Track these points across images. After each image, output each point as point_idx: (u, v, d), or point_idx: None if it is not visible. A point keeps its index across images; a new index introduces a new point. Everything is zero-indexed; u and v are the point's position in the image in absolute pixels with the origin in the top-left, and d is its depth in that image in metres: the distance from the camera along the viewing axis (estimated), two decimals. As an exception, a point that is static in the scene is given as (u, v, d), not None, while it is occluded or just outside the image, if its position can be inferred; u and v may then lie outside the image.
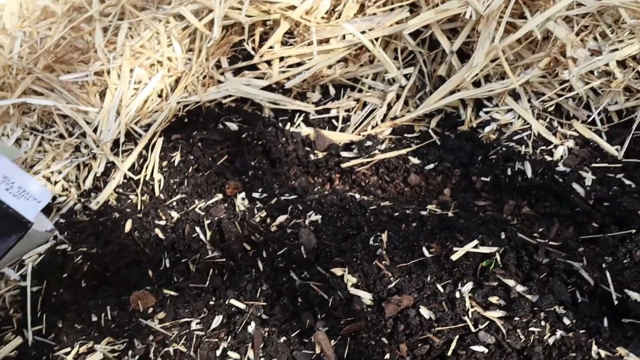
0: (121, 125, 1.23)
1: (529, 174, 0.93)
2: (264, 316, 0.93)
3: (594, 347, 0.75)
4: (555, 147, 0.95)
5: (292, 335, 0.89)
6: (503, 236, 0.88)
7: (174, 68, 1.32)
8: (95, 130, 1.25)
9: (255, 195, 1.10)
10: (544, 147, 0.96)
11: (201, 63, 1.30)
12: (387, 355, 0.84)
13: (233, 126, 1.24)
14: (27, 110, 1.31)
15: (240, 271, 0.99)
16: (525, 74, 1.01)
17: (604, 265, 0.81)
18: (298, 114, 1.23)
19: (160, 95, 1.32)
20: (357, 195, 1.06)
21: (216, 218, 1.04)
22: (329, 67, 1.23)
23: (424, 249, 0.91)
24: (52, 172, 1.19)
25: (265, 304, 0.94)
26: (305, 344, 0.88)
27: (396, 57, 1.19)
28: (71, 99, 1.29)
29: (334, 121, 1.21)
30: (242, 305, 0.94)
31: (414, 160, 1.06)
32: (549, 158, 0.94)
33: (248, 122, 1.25)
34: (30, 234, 0.56)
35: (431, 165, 1.04)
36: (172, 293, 1.00)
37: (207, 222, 1.03)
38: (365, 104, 1.20)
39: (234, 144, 1.23)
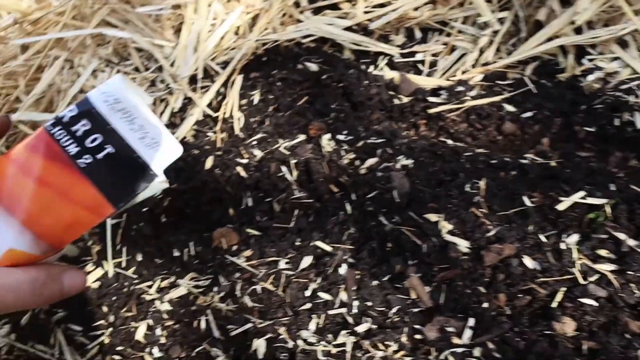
0: (199, 60, 1.21)
1: (639, 125, 0.90)
2: (350, 260, 0.92)
3: None
4: (668, 98, 0.91)
5: (384, 279, 0.88)
6: (613, 188, 0.85)
7: (251, 5, 1.29)
8: (171, 65, 1.23)
9: (340, 137, 1.08)
10: (655, 98, 0.92)
11: (280, 0, 1.27)
12: (485, 304, 0.83)
13: (313, 67, 1.21)
14: (102, 42, 1.29)
15: (327, 213, 0.98)
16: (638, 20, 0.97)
17: None
18: (381, 56, 1.20)
19: (236, 33, 1.30)
20: (450, 141, 1.03)
21: (302, 158, 1.02)
22: (416, 8, 1.20)
23: (525, 198, 0.89)
24: (128, 106, 1.18)
25: (352, 247, 0.93)
26: (399, 289, 0.87)
27: (489, 0, 1.15)
28: (146, 33, 1.27)
29: (419, 65, 1.18)
30: (328, 248, 0.93)
31: (509, 108, 1.03)
32: (661, 109, 0.90)
33: (328, 64, 1.22)
34: (152, 185, 0.55)
35: (529, 114, 1.01)
36: (255, 232, 0.99)
37: (293, 161, 1.02)
38: (453, 49, 1.16)
39: (313, 85, 1.20)
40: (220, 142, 1.14)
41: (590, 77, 0.99)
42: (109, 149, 0.53)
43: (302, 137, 1.09)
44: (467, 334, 0.80)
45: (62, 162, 0.53)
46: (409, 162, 0.98)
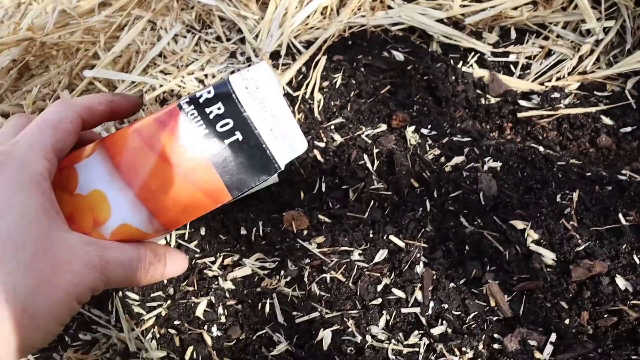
0: (283, 36, 1.20)
1: None
2: (423, 259, 0.90)
3: None
4: None
5: (460, 282, 0.86)
6: None
7: (341, -14, 1.28)
8: (254, 39, 1.22)
9: (424, 131, 1.06)
10: None
11: (372, -16, 1.25)
12: (566, 321, 0.80)
13: (399, 56, 1.20)
14: (185, 7, 1.29)
15: (405, 208, 0.96)
16: None
17: None
18: (472, 53, 1.18)
19: (322, 14, 1.28)
20: (541, 148, 1.01)
21: (386, 148, 1.00)
22: (515, 8, 1.17)
23: (621, 216, 0.86)
24: (205, 75, 1.18)
25: (426, 245, 0.91)
26: (476, 295, 0.85)
27: (595, 7, 1.11)
28: (232, 2, 1.27)
29: (511, 67, 1.15)
30: (401, 243, 0.91)
31: (606, 121, 1.00)
32: None
33: (415, 54, 1.20)
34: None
35: (628, 129, 0.98)
36: (327, 219, 0.98)
37: (375, 150, 1.00)
38: (550, 53, 1.13)
39: (398, 75, 1.19)
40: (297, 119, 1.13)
41: None
42: (238, 135, 0.52)
43: (383, 127, 1.07)
44: (548, 349, 0.78)
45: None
46: (497, 164, 0.96)
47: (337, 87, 1.16)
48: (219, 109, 0.52)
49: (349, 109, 1.12)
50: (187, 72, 1.17)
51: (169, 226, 0.55)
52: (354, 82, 1.17)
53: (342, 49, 1.23)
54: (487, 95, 1.13)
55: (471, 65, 1.17)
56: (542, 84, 1.10)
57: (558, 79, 1.10)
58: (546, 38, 1.15)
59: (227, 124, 0.52)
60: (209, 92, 0.53)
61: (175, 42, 1.23)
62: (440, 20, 1.22)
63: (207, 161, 0.53)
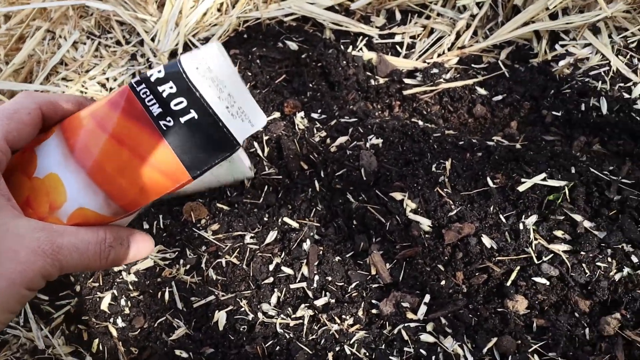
0: (180, 36, 1.23)
1: (604, 110, 0.92)
2: (316, 236, 0.94)
3: (662, 286, 0.75)
4: (635, 84, 0.93)
5: (347, 255, 0.91)
6: (573, 171, 0.87)
7: (235, -18, 1.31)
8: (152, 40, 1.25)
9: (314, 115, 1.10)
10: (622, 84, 0.94)
11: (263, -22, 1.29)
12: (443, 282, 0.85)
13: (293, 45, 1.23)
14: (84, 14, 1.31)
15: (296, 190, 1.00)
16: (610, 7, 0.99)
17: (678, 206, 0.81)
18: (360, 37, 1.22)
19: (219, 10, 1.31)
20: (420, 122, 1.05)
21: (275, 135, 1.04)
22: (395, -10, 1.22)
23: (489, 179, 0.91)
24: (107, 79, 1.20)
25: (319, 224, 0.95)
26: (360, 265, 0.90)
27: (469, -16, 1.16)
28: (129, 6, 1.29)
29: (397, 47, 1.20)
30: (295, 224, 0.95)
31: (481, 91, 1.05)
32: (626, 95, 0.92)
33: (308, 43, 1.24)
34: (234, 159, 0.55)
35: (499, 97, 1.03)
36: (225, 207, 1.01)
37: (265, 138, 1.04)
38: (432, 32, 1.18)
39: (293, 64, 1.22)
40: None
41: (562, 63, 1.01)
42: (192, 114, 0.51)
43: (276, 115, 1.11)
44: (422, 310, 0.83)
45: (142, 122, 0.52)
46: (378, 141, 1.00)
47: (233, 80, 1.19)
48: (171, 87, 0.51)
49: (244, 100, 1.16)
50: (89, 77, 1.19)
51: (128, 208, 0.53)
52: (250, 74, 1.20)
53: (238, 43, 1.26)
54: (376, 77, 1.17)
55: (361, 49, 1.21)
56: (425, 61, 1.14)
57: (439, 55, 1.14)
58: (428, 17, 1.20)
59: (181, 102, 0.51)
60: (159, 71, 0.52)
61: (76, 49, 1.25)
62: (332, 8, 1.26)
63: (162, 140, 0.51)
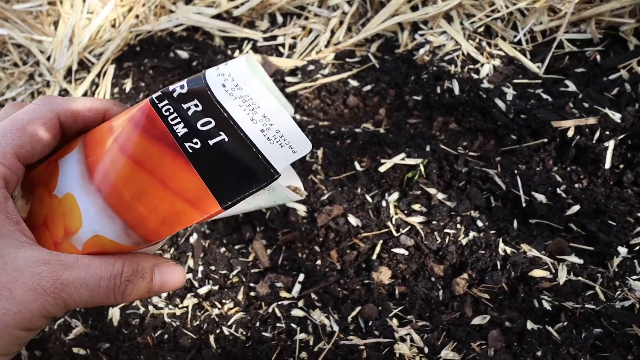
0: (74, 54, 1.26)
1: (457, 91, 0.98)
2: (207, 231, 0.98)
3: (501, 245, 0.81)
4: (482, 65, 0.99)
5: (232, 246, 0.95)
6: (428, 149, 0.94)
7: (126, -2, 1.35)
8: (48, 59, 1.28)
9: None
10: (471, 66, 1.00)
11: (153, -7, 1.33)
12: (319, 262, 0.90)
13: (184, 54, 1.27)
14: (-19, 41, 1.33)
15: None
16: (458, -4, 1.05)
17: (515, 172, 0.87)
18: (246, 42, 1.27)
19: (113, 25, 1.35)
20: (297, 116, 1.11)
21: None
22: (276, -5, 1.27)
23: (356, 163, 0.96)
24: (6, 100, 1.23)
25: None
26: (243, 254, 0.94)
27: (339, -16, 1.22)
28: (25, 29, 1.32)
29: (280, 48, 1.25)
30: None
31: (353, 83, 1.11)
32: (475, 76, 0.98)
33: (199, 51, 1.28)
34: (274, 187, 0.46)
35: (368, 87, 1.08)
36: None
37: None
38: (310, 31, 1.23)
39: (184, 72, 1.27)
40: (92, 130, 1.20)
41: (422, 51, 1.07)
42: (222, 136, 0.43)
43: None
44: (297, 288, 0.88)
45: (165, 143, 0.44)
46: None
47: (127, 91, 1.23)
48: (196, 105, 0.44)
49: (137, 109, 1.20)
50: (-12, 100, 1.22)
51: (149, 238, 0.46)
52: (143, 84, 1.24)
53: (131, 56, 1.30)
54: (262, 77, 1.22)
55: (247, 53, 1.26)
56: (305, 59, 1.20)
57: (317, 52, 1.20)
58: (306, 18, 1.25)
59: (209, 122, 0.44)
60: (182, 86, 0.45)
61: (-27, 74, 1.27)
62: (220, 16, 1.30)
63: (188, 164, 0.44)
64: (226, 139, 0.43)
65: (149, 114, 0.45)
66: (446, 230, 0.85)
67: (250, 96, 0.44)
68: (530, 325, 0.75)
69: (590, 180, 0.84)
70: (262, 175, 0.43)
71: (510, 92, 0.94)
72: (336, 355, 0.77)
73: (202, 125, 0.44)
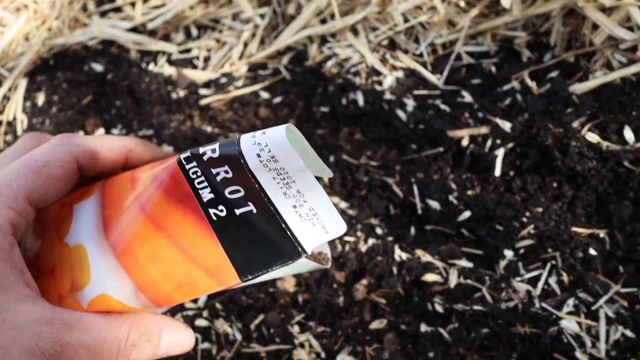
0: (-16, 67, 1.26)
1: (361, 102, 1.01)
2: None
3: (397, 251, 0.85)
4: (385, 77, 1.03)
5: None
6: (332, 159, 0.96)
7: (40, 11, 1.34)
8: (-42, 74, 1.27)
9: (115, 131, 1.15)
10: (375, 78, 1.04)
11: (67, 5, 1.33)
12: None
13: (98, 67, 1.28)
14: None
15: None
16: (363, 10, 1.09)
17: (413, 180, 0.91)
18: (162, 54, 1.28)
19: (27, 39, 1.34)
20: (209, 128, 1.12)
21: (73, 153, 1.08)
22: (191, 8, 1.28)
23: (263, 174, 0.98)
24: None
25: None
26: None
27: (252, -2, 1.25)
28: None
29: (195, 61, 1.26)
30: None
31: (264, 95, 1.13)
32: (379, 88, 1.02)
33: (114, 64, 1.29)
34: (300, 262, 0.43)
35: (278, 99, 1.11)
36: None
37: (63, 157, 1.08)
38: (224, 44, 1.25)
39: (99, 85, 1.27)
40: (4, 145, 1.19)
41: (329, 63, 1.10)
42: (250, 207, 0.41)
43: (81, 133, 1.15)
44: (203, 298, 0.89)
45: (188, 206, 0.42)
46: (170, 148, 1.07)
47: (40, 105, 1.23)
48: (226, 172, 0.41)
49: (49, 123, 1.20)
50: None
51: (160, 303, 0.43)
52: (55, 98, 1.24)
53: (45, 70, 1.29)
54: (177, 89, 1.23)
55: (162, 66, 1.27)
56: (219, 72, 1.21)
57: (231, 65, 1.22)
58: (221, 31, 1.27)
59: (238, 191, 0.41)
60: (213, 150, 0.42)
61: None
62: (134, 29, 1.31)
63: (210, 232, 0.42)
64: (254, 211, 0.41)
65: (174, 174, 0.42)
66: (347, 239, 0.88)
67: (287, 170, 0.40)
68: (423, 327, 0.79)
69: (483, 187, 0.88)
70: (289, 252, 0.41)
71: (410, 103, 0.98)
72: (237, 364, 0.79)
73: (231, 193, 0.41)
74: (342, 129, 1.03)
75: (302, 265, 0.45)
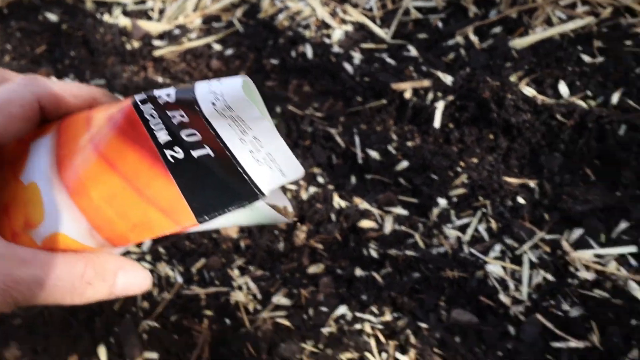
0: (-64, 14, 1.25)
1: (310, 55, 1.02)
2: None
3: (337, 199, 0.87)
4: (334, 30, 1.04)
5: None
6: (278, 110, 0.98)
7: (-6, -41, 1.33)
8: None
9: (67, 80, 1.15)
10: (324, 31, 1.05)
11: (21, -46, 1.32)
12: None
13: (53, 17, 1.27)
14: None
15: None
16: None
17: (355, 131, 0.93)
18: (117, 5, 1.28)
19: (-19, -13, 1.33)
20: (162, 79, 1.13)
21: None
22: (146, -41, 1.28)
23: (212, 124, 1.00)
24: None
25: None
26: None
27: (207, -51, 1.25)
28: None
29: (150, 12, 1.26)
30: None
31: (217, 47, 1.14)
32: (327, 41, 1.03)
33: (69, 14, 1.28)
34: (258, 207, 0.42)
35: (230, 51, 1.12)
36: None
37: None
38: (179, -5, 1.26)
39: (53, 35, 1.27)
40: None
41: (281, 16, 1.11)
42: (207, 150, 0.41)
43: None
44: (147, 243, 0.91)
45: (144, 149, 0.41)
46: (121, 97, 1.08)
47: (-8, 54, 1.23)
48: (182, 116, 0.40)
49: (1, 72, 1.19)
50: None
51: (116, 242, 0.43)
52: (9, 47, 1.24)
53: (-1, 19, 1.29)
54: (131, 41, 1.23)
55: (117, 17, 1.27)
56: (173, 24, 1.22)
57: (185, 17, 1.22)
58: (175, -18, 1.27)
59: (194, 134, 0.40)
60: (168, 94, 0.41)
61: None
62: (90, -20, 1.31)
63: (166, 173, 0.41)
64: (211, 154, 0.40)
65: (130, 115, 0.41)
66: (289, 187, 0.90)
67: (242, 118, 0.40)
68: (358, 272, 0.81)
69: (422, 138, 0.90)
70: (245, 194, 0.40)
71: (358, 57, 1.00)
72: (177, 305, 0.81)
73: (187, 135, 0.40)
74: (291, 81, 1.04)
75: (263, 213, 0.43)
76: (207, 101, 0.39)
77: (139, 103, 0.41)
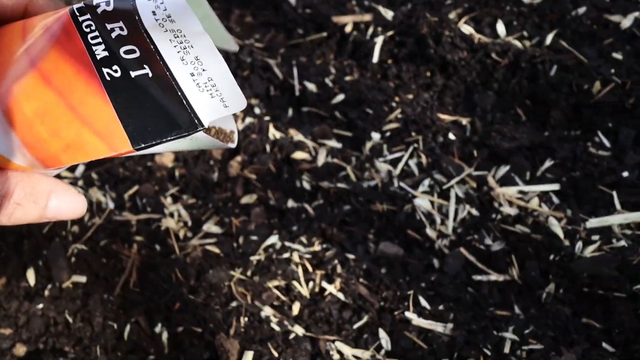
0: None
1: None
2: None
3: (272, 130, 0.87)
4: (278, -40, 1.03)
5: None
6: (219, 40, 0.97)
7: None
8: None
9: None
10: (268, -39, 1.04)
11: None
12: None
13: None
14: None
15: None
16: None
17: (293, 63, 0.92)
18: None
19: None
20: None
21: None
22: None
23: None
24: None
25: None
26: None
27: None
28: None
29: None
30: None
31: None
32: (271, -29, 1.02)
33: None
34: (198, 137, 0.40)
35: None
36: None
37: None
38: None
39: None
40: None
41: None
42: (147, 70, 0.38)
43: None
44: (80, 168, 0.90)
45: (80, 63, 0.38)
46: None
47: None
48: (121, 29, 0.37)
49: None
50: None
51: (47, 164, 0.41)
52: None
53: None
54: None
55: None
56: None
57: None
58: None
59: (133, 51, 0.37)
60: (107, 3, 0.38)
61: None
62: None
63: (102, 93, 0.38)
64: (150, 75, 0.37)
65: (66, 26, 0.38)
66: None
67: (184, 32, 0.37)
68: (290, 203, 0.82)
69: (361, 73, 0.90)
70: (185, 124, 0.38)
71: (300, -12, 0.99)
72: (107, 230, 0.81)
73: (126, 52, 0.37)
74: (233, 11, 1.03)
75: (204, 140, 0.41)
76: (147, 11, 0.37)
77: (77, 13, 0.38)
